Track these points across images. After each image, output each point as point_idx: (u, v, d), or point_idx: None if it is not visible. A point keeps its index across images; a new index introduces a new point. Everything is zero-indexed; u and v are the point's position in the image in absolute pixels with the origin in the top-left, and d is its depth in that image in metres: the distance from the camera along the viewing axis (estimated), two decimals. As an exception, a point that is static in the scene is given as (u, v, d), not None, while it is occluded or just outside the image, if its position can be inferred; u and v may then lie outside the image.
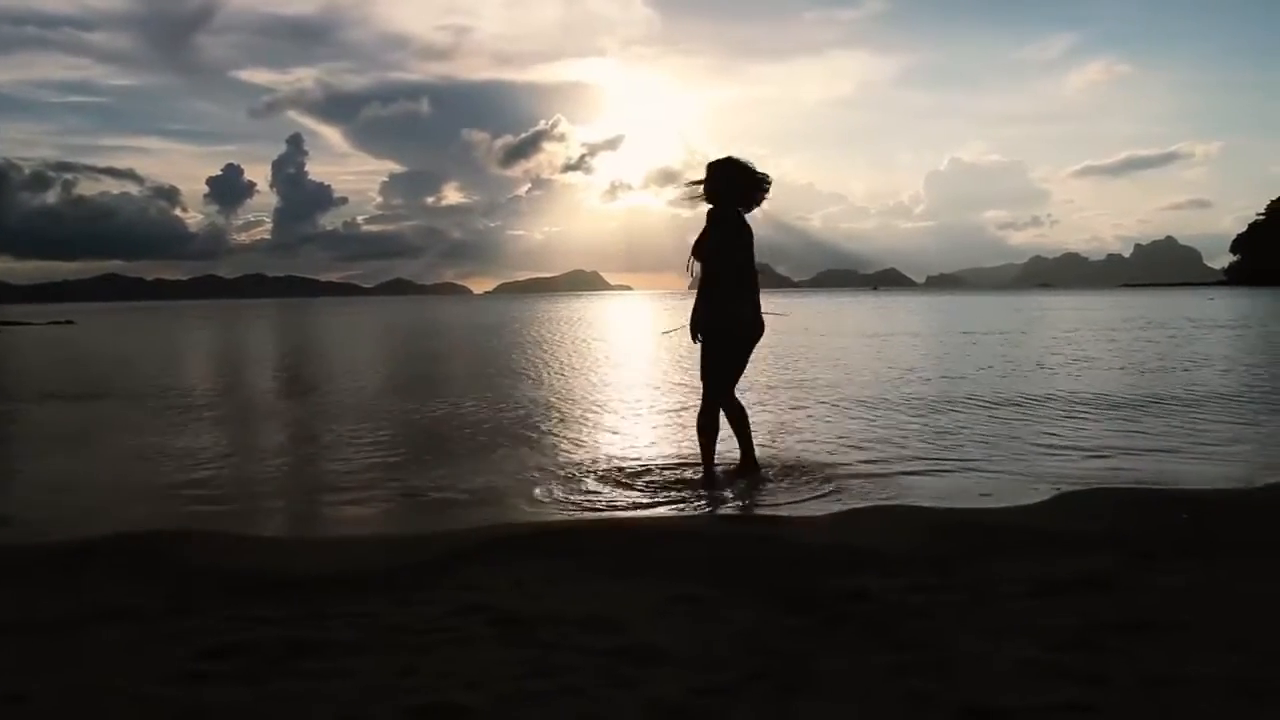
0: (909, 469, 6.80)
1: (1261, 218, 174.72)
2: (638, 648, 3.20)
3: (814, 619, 3.52)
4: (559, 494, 6.18)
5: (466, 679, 2.94)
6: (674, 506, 5.81)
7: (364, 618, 3.62)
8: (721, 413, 6.39)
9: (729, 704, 2.74)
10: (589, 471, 6.88)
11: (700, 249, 6.22)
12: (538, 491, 6.25)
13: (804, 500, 5.89)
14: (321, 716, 2.70)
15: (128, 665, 3.15)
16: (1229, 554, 4.41)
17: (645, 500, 5.97)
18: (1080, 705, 2.72)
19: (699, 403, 6.49)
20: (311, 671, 3.05)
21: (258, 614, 3.69)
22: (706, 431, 6.42)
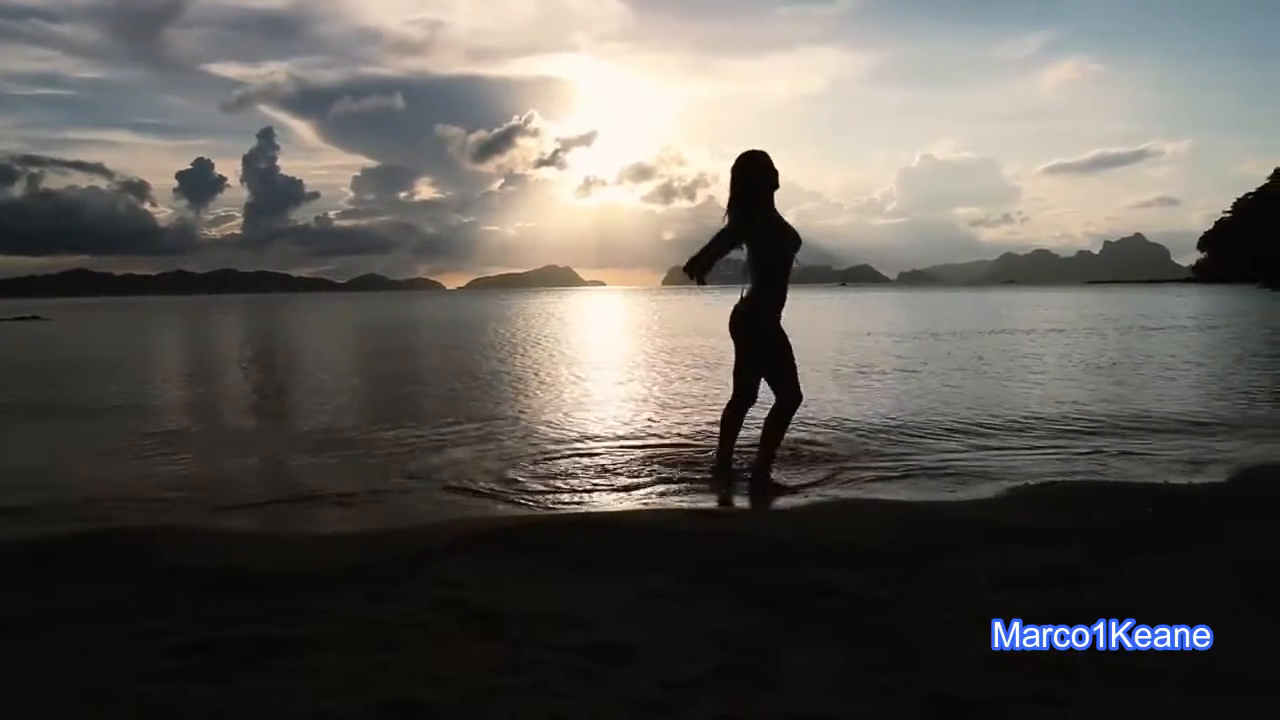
0: (875, 465, 6.84)
1: (1229, 215, 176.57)
2: (607, 644, 3.22)
3: (782, 614, 3.54)
4: (530, 490, 6.17)
5: (437, 675, 2.95)
6: (643, 502, 5.83)
7: (335, 614, 3.61)
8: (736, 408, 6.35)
9: (698, 698, 2.76)
10: (560, 467, 6.88)
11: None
12: (509, 487, 6.25)
13: (774, 495, 5.92)
14: (292, 714, 2.70)
15: (99, 664, 3.14)
16: (1194, 547, 4.47)
17: (616, 496, 6.00)
18: (1047, 697, 2.77)
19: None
20: (282, 669, 3.05)
21: (229, 612, 3.67)
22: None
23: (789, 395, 6.13)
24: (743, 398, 6.25)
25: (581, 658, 3.10)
